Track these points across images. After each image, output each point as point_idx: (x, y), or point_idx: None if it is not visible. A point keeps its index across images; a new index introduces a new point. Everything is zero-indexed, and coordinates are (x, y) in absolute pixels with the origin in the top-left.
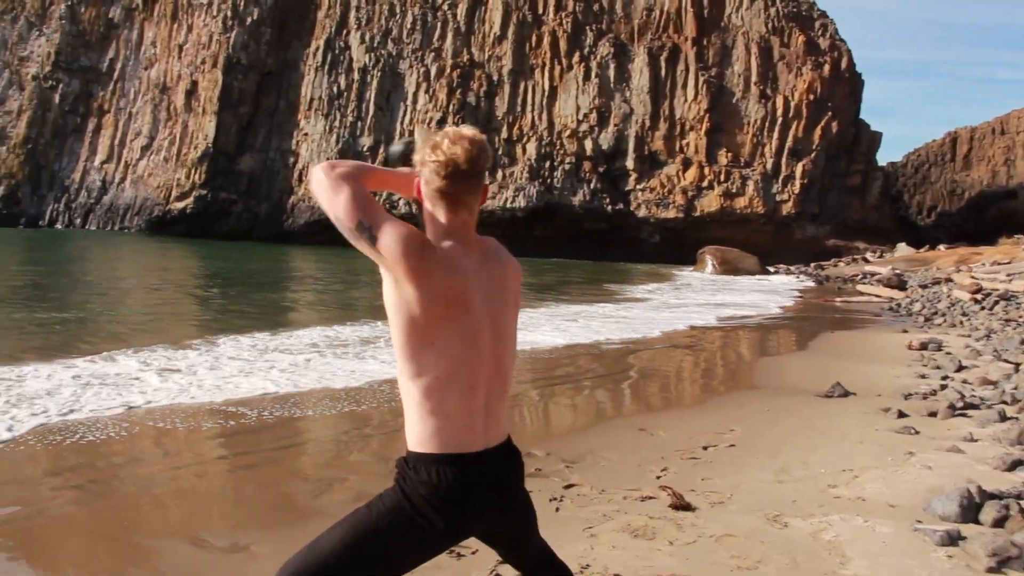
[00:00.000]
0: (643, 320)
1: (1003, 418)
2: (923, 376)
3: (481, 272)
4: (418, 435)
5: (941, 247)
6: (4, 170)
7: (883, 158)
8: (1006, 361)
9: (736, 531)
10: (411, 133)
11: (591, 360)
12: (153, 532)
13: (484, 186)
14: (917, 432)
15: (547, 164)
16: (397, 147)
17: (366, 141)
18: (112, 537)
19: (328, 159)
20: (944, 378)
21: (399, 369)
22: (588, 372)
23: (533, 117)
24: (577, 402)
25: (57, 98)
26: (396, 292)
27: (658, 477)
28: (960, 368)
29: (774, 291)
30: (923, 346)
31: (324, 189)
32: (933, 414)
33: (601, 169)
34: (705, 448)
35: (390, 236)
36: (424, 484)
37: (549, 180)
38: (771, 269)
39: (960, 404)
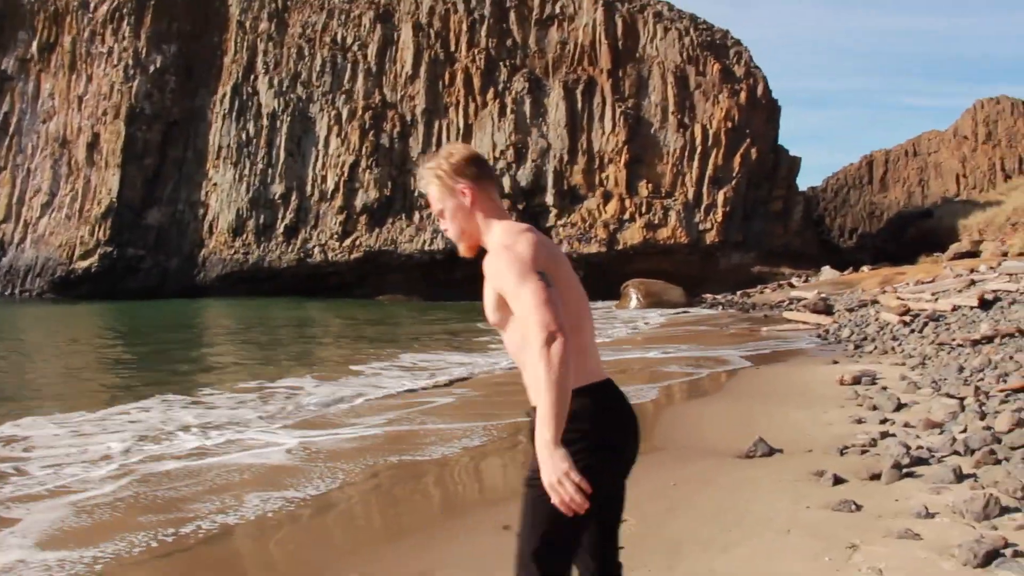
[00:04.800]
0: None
1: (959, 477)
2: (859, 420)
3: None
4: None
5: (864, 269)
6: None
7: (804, 183)
8: (948, 396)
9: None
10: (323, 179)
11: (431, 414)
12: None
13: None
14: (859, 508)
15: None
16: None
17: (277, 189)
18: None
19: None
20: (883, 421)
21: None
22: (428, 438)
23: None
24: (414, 491)
25: None
26: None
27: None
28: (899, 407)
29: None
30: (856, 380)
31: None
32: (876, 476)
33: (520, 206)
34: None
35: None
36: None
37: None
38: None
39: (906, 460)
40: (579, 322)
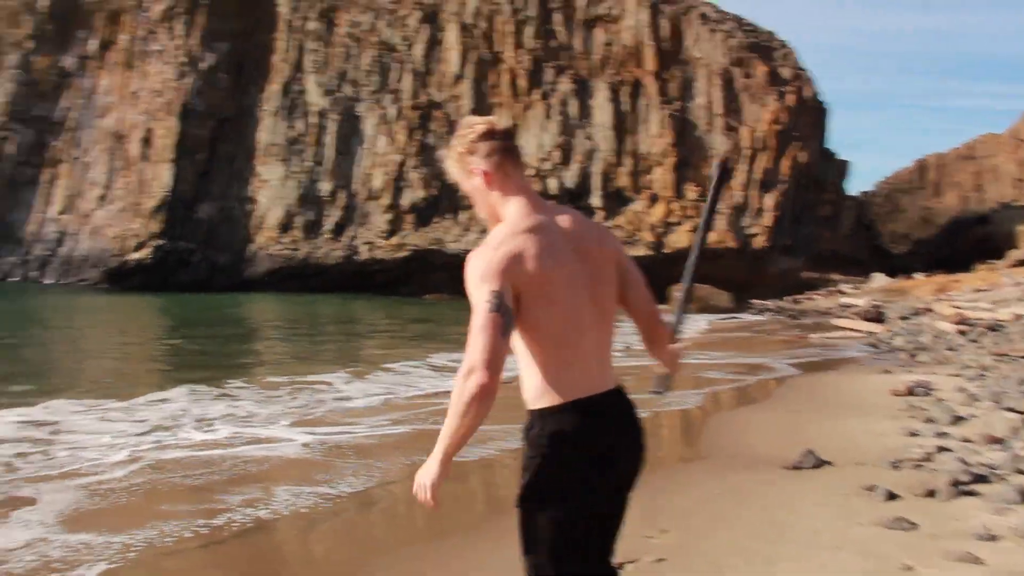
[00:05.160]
0: None
1: None
2: (913, 433)
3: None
4: None
5: (918, 276)
6: None
7: (855, 188)
8: (1010, 410)
9: None
10: (370, 178)
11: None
12: None
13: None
14: (914, 526)
15: None
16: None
17: (326, 186)
18: None
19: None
20: (939, 435)
21: None
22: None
23: None
24: (458, 491)
25: (10, 149)
26: None
27: None
28: (956, 420)
29: None
30: (910, 391)
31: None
32: (931, 493)
33: None
34: (620, 566)
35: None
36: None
37: None
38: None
39: (965, 477)
40: (569, 333)
